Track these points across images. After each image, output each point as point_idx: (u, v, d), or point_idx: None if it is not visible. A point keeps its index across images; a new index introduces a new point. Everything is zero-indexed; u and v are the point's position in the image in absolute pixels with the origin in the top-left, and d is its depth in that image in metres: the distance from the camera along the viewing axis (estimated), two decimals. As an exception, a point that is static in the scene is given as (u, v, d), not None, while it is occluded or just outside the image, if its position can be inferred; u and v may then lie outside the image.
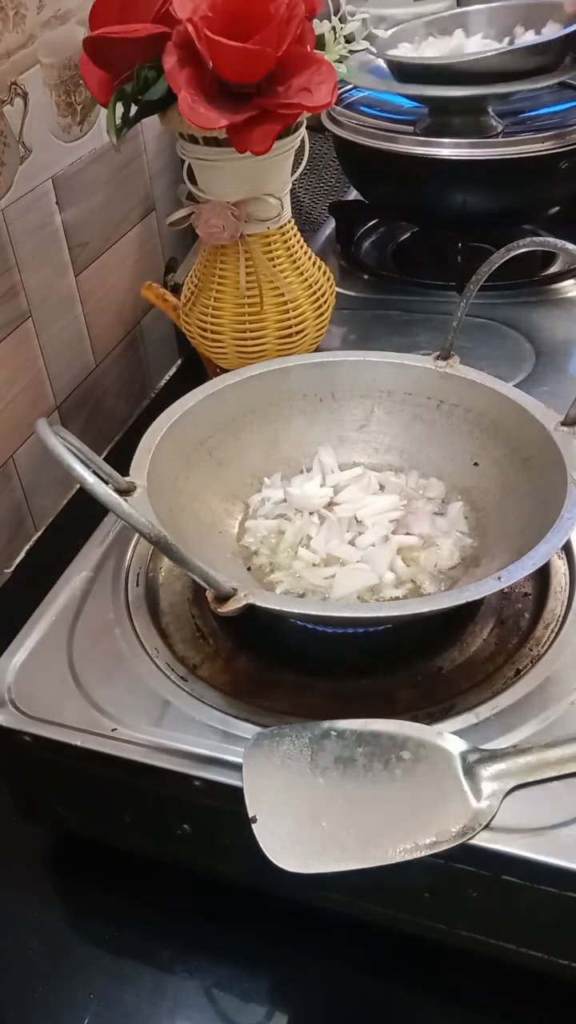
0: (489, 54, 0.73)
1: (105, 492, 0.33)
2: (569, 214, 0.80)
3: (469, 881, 0.37)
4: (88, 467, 0.34)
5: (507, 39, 0.79)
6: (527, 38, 0.76)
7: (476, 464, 0.52)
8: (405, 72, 0.76)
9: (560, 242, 0.49)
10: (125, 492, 0.45)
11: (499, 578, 0.39)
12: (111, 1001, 0.42)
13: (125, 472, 0.46)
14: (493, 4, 0.83)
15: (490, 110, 0.77)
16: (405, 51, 0.78)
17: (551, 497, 0.44)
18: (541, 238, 0.51)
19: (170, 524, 0.45)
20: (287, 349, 0.62)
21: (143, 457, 0.47)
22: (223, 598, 0.38)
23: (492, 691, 0.42)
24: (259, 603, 0.38)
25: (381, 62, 0.78)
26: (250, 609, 0.38)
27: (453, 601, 0.39)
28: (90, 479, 0.33)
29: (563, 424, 0.47)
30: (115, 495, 0.34)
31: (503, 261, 0.50)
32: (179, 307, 0.65)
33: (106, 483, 0.44)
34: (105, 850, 0.46)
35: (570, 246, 0.48)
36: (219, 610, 0.38)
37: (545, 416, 0.48)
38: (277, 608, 0.39)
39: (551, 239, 0.50)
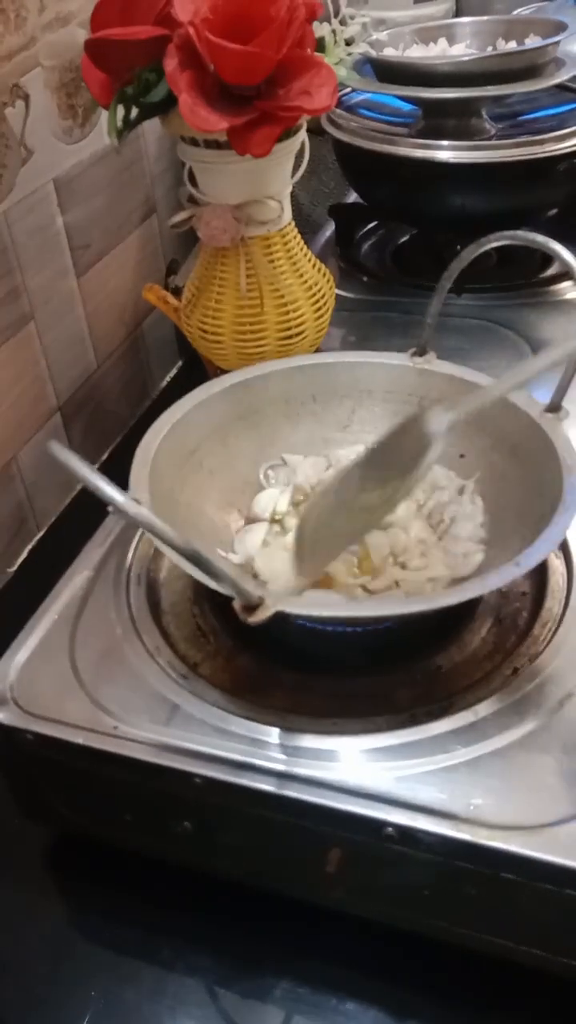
0: (473, 57, 0.74)
1: (137, 511, 0.32)
2: (567, 216, 0.81)
3: (468, 879, 0.37)
4: (113, 485, 0.33)
5: (490, 49, 0.80)
6: (509, 48, 0.77)
7: (462, 456, 0.53)
8: (392, 73, 0.76)
9: (531, 235, 0.49)
10: None
11: (517, 564, 0.39)
12: (111, 999, 0.42)
13: (123, 480, 0.46)
14: (479, 17, 0.85)
15: (483, 113, 0.77)
16: (390, 55, 0.79)
17: (544, 481, 0.45)
18: (512, 232, 0.51)
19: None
20: (287, 350, 0.62)
21: (141, 472, 0.47)
22: (251, 608, 0.37)
23: (490, 689, 0.42)
24: (288, 610, 0.38)
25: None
26: (279, 617, 0.37)
27: (479, 590, 0.40)
28: (120, 498, 0.32)
29: (547, 410, 0.48)
30: (148, 513, 0.33)
31: (475, 256, 0.51)
32: (180, 309, 0.66)
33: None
34: (106, 848, 0.47)
35: (539, 238, 0.49)
36: (249, 620, 0.37)
37: (528, 404, 0.49)
38: (306, 613, 0.40)
39: (522, 233, 0.50)
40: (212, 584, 0.36)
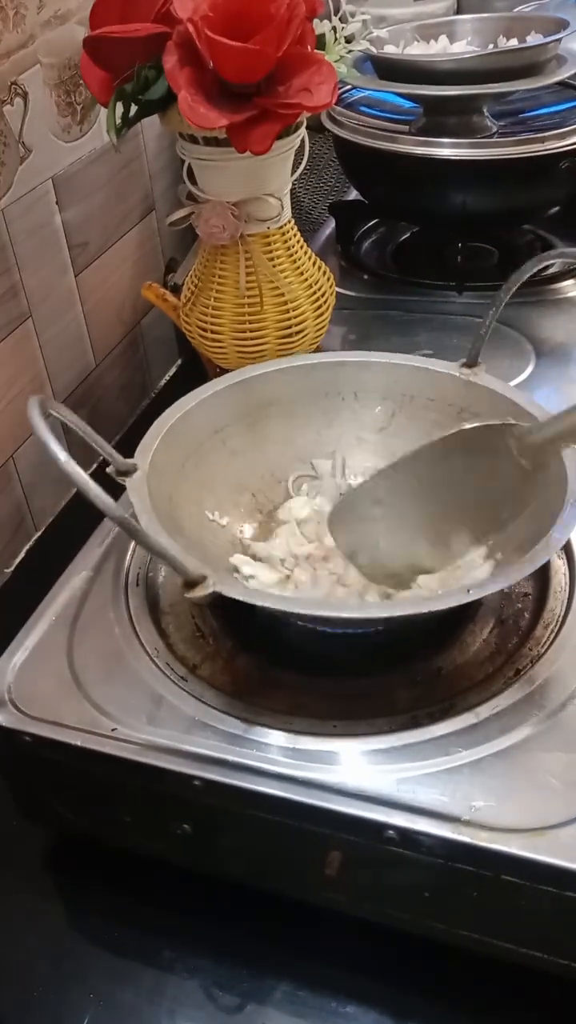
0: (475, 54, 0.74)
1: (75, 471, 0.33)
2: (569, 214, 0.80)
3: (469, 881, 0.37)
4: (66, 446, 0.34)
5: (491, 47, 0.80)
6: (510, 45, 0.77)
7: None
8: (392, 70, 0.76)
9: None
10: (124, 473, 0.45)
11: (468, 591, 0.39)
12: (111, 1001, 0.42)
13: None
14: (480, 15, 0.85)
15: (484, 110, 0.77)
16: (391, 52, 0.78)
17: (551, 514, 0.43)
18: (573, 250, 0.50)
19: (168, 509, 0.45)
20: (287, 349, 0.62)
21: (151, 441, 0.47)
22: (192, 584, 0.38)
23: (492, 691, 0.42)
24: (226, 592, 0.38)
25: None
26: (218, 597, 0.38)
27: (415, 609, 0.39)
28: (62, 457, 0.33)
29: None
30: (83, 474, 0.33)
31: (535, 270, 0.49)
32: (179, 307, 0.66)
33: (107, 464, 0.44)
34: (105, 850, 0.46)
35: None
36: (186, 595, 0.38)
37: None
38: (243, 599, 0.39)
39: None
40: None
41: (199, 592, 0.38)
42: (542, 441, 0.43)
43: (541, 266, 0.49)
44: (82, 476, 0.34)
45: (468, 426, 0.47)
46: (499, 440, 0.44)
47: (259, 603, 0.40)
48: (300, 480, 0.55)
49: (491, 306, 0.52)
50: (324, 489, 0.54)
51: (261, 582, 0.47)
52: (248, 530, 0.53)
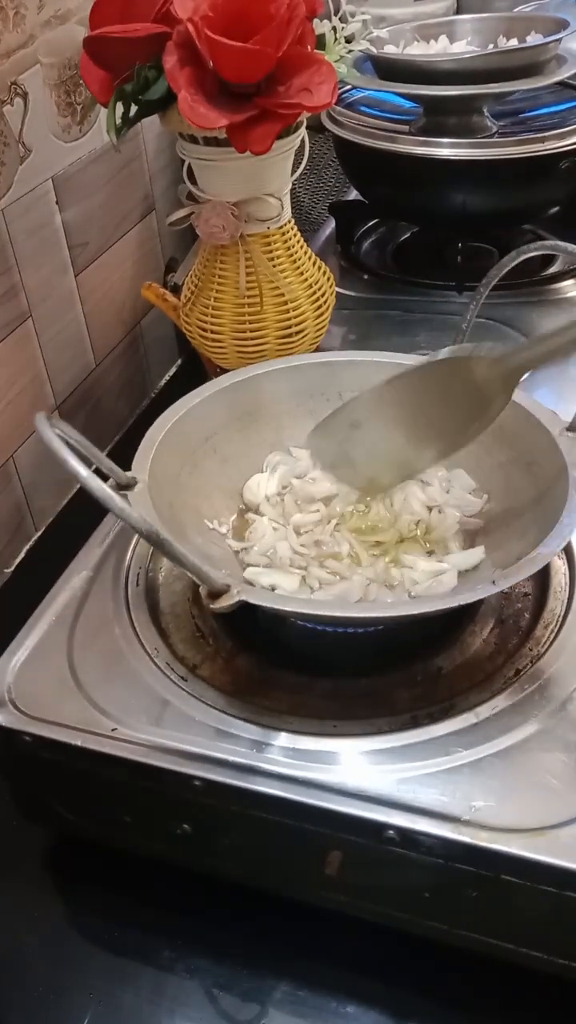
0: (475, 54, 0.74)
1: (99, 487, 0.33)
2: (569, 214, 0.80)
3: (469, 881, 0.37)
4: (84, 461, 0.34)
5: (491, 47, 0.80)
6: (510, 45, 0.77)
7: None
8: (392, 70, 0.76)
9: (571, 246, 0.49)
10: (126, 487, 0.45)
11: (494, 582, 0.39)
12: (111, 1001, 0.42)
13: (129, 468, 0.46)
14: (480, 15, 0.85)
15: (484, 110, 0.77)
16: (391, 52, 0.78)
17: (553, 501, 0.44)
18: (552, 242, 0.51)
19: (170, 519, 0.45)
20: (287, 349, 0.62)
21: (146, 452, 0.47)
22: (216, 594, 0.38)
23: (492, 691, 0.42)
24: (252, 600, 0.38)
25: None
26: (243, 606, 0.38)
27: (446, 603, 0.39)
28: (84, 472, 0.33)
29: (568, 430, 0.47)
30: (108, 489, 0.34)
31: (513, 264, 0.50)
32: (179, 307, 0.66)
33: (106, 478, 0.44)
34: (105, 850, 0.46)
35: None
36: (212, 606, 0.37)
37: (551, 421, 0.48)
38: (270, 605, 0.39)
39: (561, 243, 0.50)
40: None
41: (225, 602, 0.37)
42: (500, 372, 0.45)
43: (521, 259, 0.49)
44: (105, 491, 0.33)
45: (438, 358, 0.50)
46: (464, 371, 0.46)
47: (288, 609, 0.40)
48: (278, 465, 0.55)
49: (472, 300, 0.52)
50: (295, 465, 0.55)
51: (286, 590, 0.47)
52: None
